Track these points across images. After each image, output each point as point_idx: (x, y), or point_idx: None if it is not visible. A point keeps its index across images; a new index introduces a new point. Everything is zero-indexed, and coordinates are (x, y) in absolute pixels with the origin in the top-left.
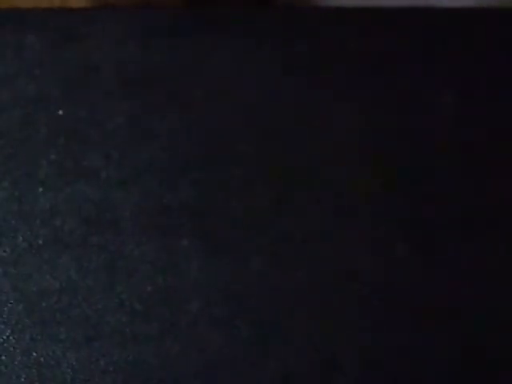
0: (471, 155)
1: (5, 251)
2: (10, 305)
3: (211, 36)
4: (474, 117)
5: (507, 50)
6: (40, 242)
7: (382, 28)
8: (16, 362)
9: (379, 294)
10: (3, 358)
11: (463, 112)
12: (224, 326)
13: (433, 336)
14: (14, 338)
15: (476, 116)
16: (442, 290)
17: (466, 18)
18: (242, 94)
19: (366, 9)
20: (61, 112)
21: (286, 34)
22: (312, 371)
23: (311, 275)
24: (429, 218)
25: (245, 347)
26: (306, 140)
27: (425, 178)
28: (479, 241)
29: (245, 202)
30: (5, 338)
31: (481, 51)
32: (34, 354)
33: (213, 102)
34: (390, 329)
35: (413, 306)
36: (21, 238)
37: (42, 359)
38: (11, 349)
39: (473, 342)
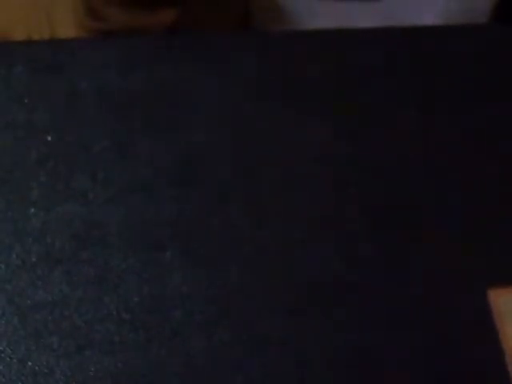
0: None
1: (0, 268)
2: (6, 318)
3: (190, 61)
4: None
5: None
6: (33, 258)
7: (356, 49)
8: (13, 371)
9: (348, 301)
10: (0, 367)
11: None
12: (206, 331)
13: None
14: (10, 349)
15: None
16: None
17: (431, 35)
18: (219, 115)
19: (338, 31)
20: (49, 137)
21: (262, 57)
22: (289, 371)
23: (285, 284)
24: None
25: (226, 351)
26: (280, 158)
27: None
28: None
29: (223, 217)
30: (1, 348)
31: (441, 67)
32: (29, 363)
33: (191, 123)
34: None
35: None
36: (15, 256)
37: (36, 368)
38: (8, 359)
39: None
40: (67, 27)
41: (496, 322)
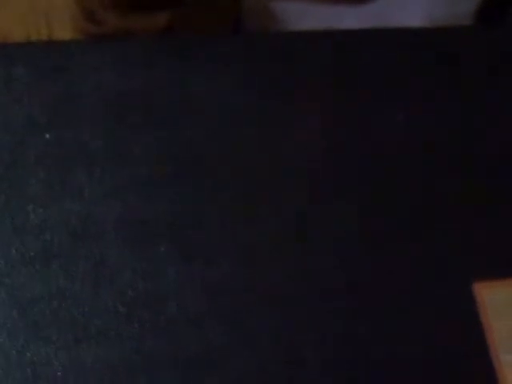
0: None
1: (0, 263)
2: (5, 310)
3: (186, 62)
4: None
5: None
6: (31, 253)
7: (348, 50)
8: (12, 362)
9: (341, 292)
10: (0, 358)
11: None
12: (199, 324)
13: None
14: (9, 341)
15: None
16: None
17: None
18: (216, 114)
19: (331, 32)
20: (48, 136)
21: (256, 57)
22: (281, 365)
23: (280, 278)
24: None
25: (219, 343)
26: (273, 156)
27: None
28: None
29: (215, 212)
30: (1, 340)
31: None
32: (28, 354)
33: (187, 122)
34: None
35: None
36: (14, 251)
37: (35, 359)
38: (7, 350)
39: None
40: (65, 30)
41: (481, 315)
